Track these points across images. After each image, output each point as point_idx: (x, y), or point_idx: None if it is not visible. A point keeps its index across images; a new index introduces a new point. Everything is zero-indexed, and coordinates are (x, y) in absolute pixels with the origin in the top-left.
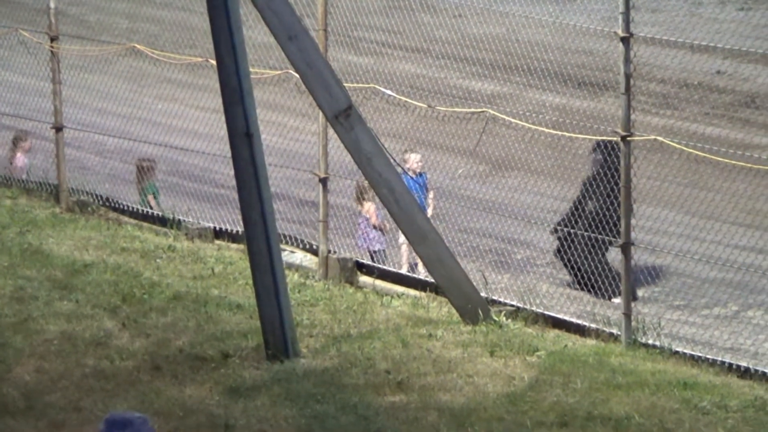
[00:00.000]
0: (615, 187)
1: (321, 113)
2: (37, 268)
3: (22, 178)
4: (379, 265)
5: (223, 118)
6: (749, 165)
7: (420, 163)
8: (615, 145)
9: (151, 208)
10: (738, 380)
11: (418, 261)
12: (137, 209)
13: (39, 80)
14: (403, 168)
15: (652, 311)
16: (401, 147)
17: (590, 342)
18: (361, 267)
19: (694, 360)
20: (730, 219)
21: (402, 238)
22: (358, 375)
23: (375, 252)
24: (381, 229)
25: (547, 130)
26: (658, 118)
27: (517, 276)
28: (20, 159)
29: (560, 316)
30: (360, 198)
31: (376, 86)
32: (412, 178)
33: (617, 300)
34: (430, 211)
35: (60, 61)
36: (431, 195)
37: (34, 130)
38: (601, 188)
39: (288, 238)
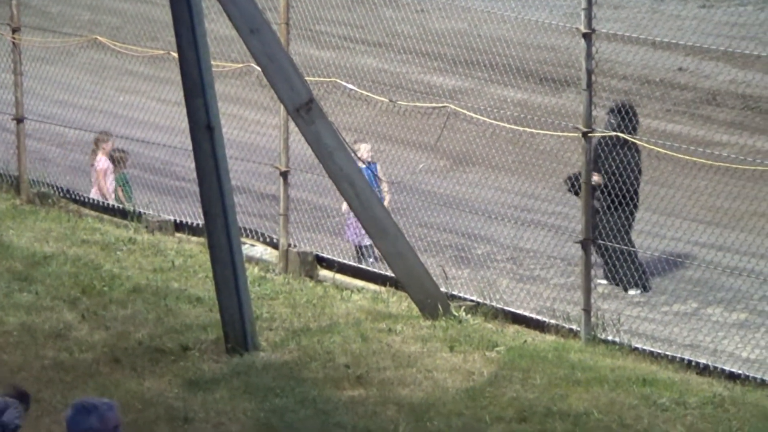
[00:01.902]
0: (629, 154)
1: (282, 107)
2: None
3: (106, 187)
4: (339, 259)
5: (185, 111)
6: (710, 162)
7: (370, 153)
8: (629, 109)
9: (120, 201)
10: (697, 377)
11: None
12: (98, 201)
13: (0, 71)
14: (364, 162)
15: (612, 307)
16: (353, 138)
17: (550, 338)
18: (321, 261)
19: (654, 356)
20: (691, 216)
21: None
22: (318, 369)
23: (365, 247)
24: None
25: (508, 126)
26: None
27: (477, 271)
28: (102, 161)
29: (520, 311)
30: None
31: (338, 80)
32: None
33: (633, 291)
34: (386, 202)
35: (22, 53)
36: (385, 186)
37: None
38: (613, 157)
39: (248, 231)
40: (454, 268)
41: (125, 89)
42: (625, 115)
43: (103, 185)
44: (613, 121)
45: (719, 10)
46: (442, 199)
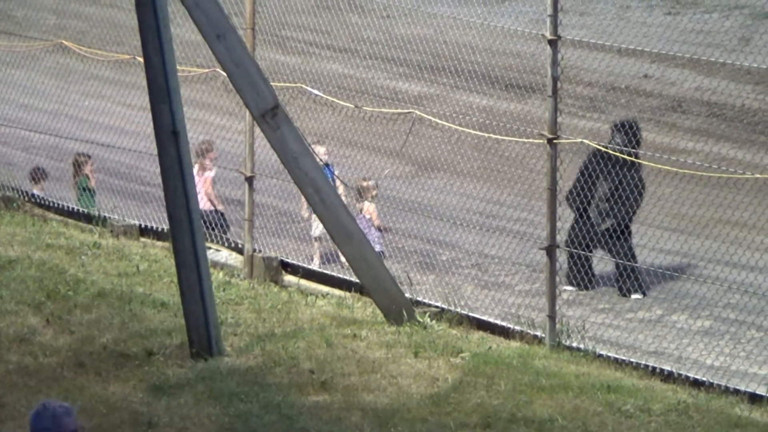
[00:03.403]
0: (631, 170)
1: (248, 112)
2: None
3: (214, 194)
4: (304, 265)
5: (150, 116)
6: (675, 169)
7: (326, 156)
8: (634, 126)
9: (83, 205)
10: (661, 384)
11: (339, 254)
12: (63, 205)
13: None
14: (329, 167)
15: (577, 314)
16: (309, 141)
17: (514, 344)
18: (285, 266)
19: (618, 363)
20: (656, 223)
21: (314, 232)
22: (282, 374)
23: None
24: (382, 230)
25: (473, 132)
26: (585, 121)
27: (442, 277)
28: (209, 169)
29: (485, 317)
30: (359, 199)
31: (304, 86)
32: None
33: (636, 296)
34: None
35: None
36: (341, 189)
37: None
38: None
39: (213, 236)
40: (419, 274)
41: (91, 93)
42: (631, 132)
43: (211, 192)
44: (618, 139)
45: (685, 17)
46: (407, 205)
